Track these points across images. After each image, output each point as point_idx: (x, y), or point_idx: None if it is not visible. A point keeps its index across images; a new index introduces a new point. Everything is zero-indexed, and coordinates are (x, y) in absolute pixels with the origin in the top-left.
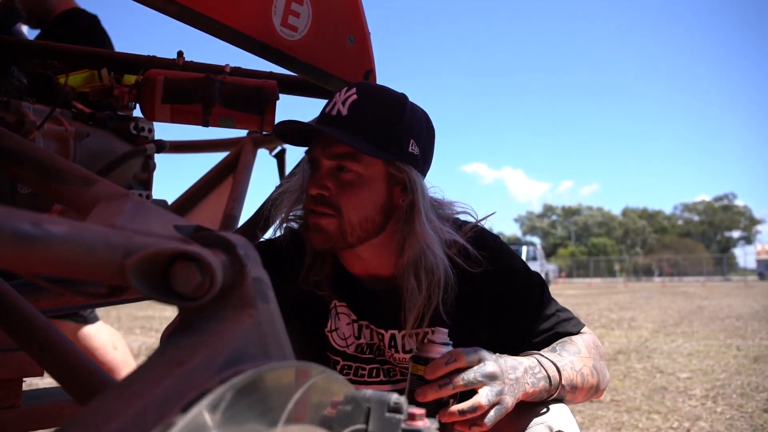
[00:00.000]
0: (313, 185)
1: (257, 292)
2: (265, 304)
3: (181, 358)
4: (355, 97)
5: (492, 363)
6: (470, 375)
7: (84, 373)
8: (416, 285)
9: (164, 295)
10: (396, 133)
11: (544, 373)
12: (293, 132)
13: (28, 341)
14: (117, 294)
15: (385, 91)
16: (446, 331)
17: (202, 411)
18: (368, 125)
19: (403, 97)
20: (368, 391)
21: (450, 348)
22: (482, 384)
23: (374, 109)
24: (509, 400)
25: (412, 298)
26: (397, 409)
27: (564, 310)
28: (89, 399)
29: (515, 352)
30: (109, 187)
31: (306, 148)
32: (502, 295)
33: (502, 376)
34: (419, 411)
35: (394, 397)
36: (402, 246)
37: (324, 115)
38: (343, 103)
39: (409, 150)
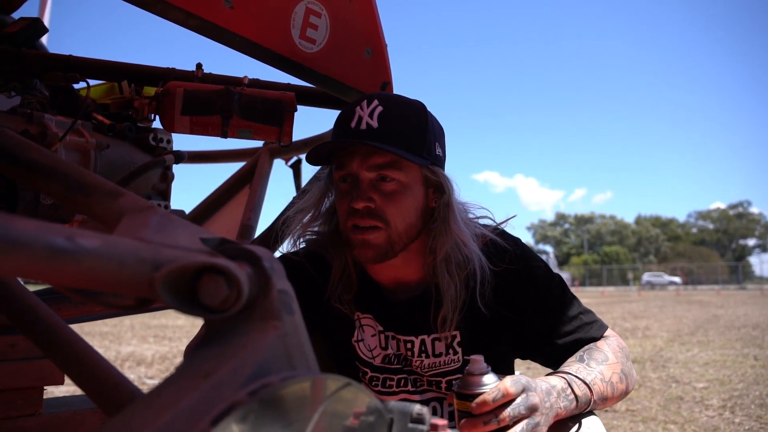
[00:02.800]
0: (358, 199)
1: (282, 304)
2: (290, 315)
3: (208, 370)
4: (381, 108)
5: (533, 394)
6: (515, 410)
7: (110, 383)
8: (450, 279)
9: (191, 308)
10: (425, 139)
11: (574, 395)
12: (327, 154)
13: (54, 351)
14: (144, 306)
15: (404, 99)
16: (482, 358)
17: (231, 423)
18: (401, 134)
19: (421, 104)
20: (391, 402)
21: (490, 374)
22: (524, 417)
23: (402, 117)
24: (543, 430)
25: (448, 293)
26: (419, 419)
27: (587, 312)
28: (115, 409)
29: (539, 351)
30: (135, 200)
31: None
32: (523, 295)
33: (541, 405)
34: (441, 422)
35: (417, 408)
36: (434, 246)
37: (352, 129)
38: (371, 116)
39: (436, 153)
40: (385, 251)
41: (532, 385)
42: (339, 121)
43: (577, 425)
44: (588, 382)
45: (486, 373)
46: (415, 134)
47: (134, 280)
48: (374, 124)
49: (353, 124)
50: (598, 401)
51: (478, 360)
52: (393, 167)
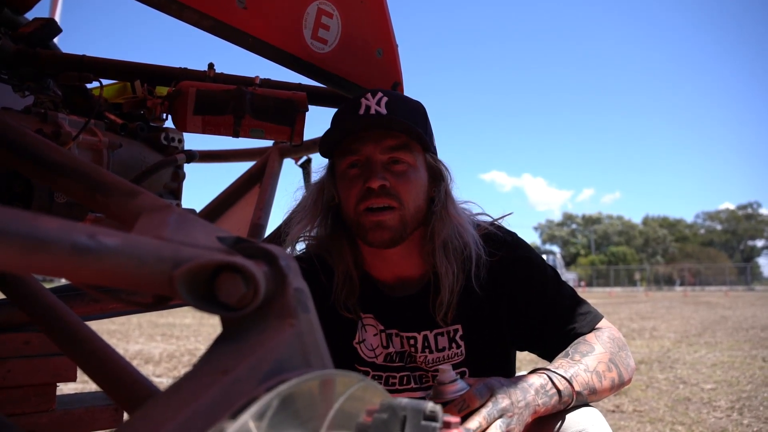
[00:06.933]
0: (374, 178)
1: (298, 302)
2: (306, 313)
3: (226, 366)
4: (386, 98)
5: (503, 396)
6: (486, 413)
7: (127, 380)
8: (448, 264)
9: (209, 306)
10: (427, 128)
11: (555, 389)
12: (333, 145)
13: (71, 348)
14: (161, 303)
15: (403, 95)
16: (450, 367)
17: (250, 418)
18: (409, 120)
19: (418, 101)
20: (404, 400)
21: (460, 382)
22: (495, 419)
23: (407, 108)
24: (517, 429)
25: (446, 277)
26: (432, 417)
27: (582, 303)
28: (132, 405)
29: (535, 343)
30: (152, 199)
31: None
32: (519, 286)
33: (512, 407)
34: (455, 419)
35: (430, 405)
36: (432, 232)
37: (361, 116)
38: (378, 104)
39: (434, 145)
40: (399, 233)
41: (500, 387)
42: (343, 113)
43: (561, 422)
44: (568, 376)
45: (455, 381)
46: (420, 122)
47: (154, 278)
48: (383, 110)
49: (362, 112)
50: (584, 393)
51: (446, 369)
52: (404, 149)
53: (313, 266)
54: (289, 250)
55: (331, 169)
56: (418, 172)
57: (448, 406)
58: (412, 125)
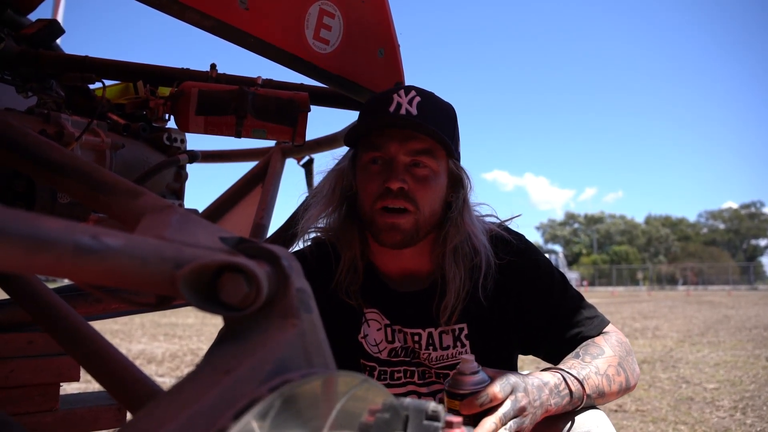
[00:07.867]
0: (394, 179)
1: (300, 303)
2: (308, 313)
3: (228, 366)
4: (419, 98)
5: (522, 395)
6: (503, 413)
7: (129, 380)
8: (456, 268)
9: (212, 306)
10: (455, 134)
11: (568, 390)
12: (358, 136)
13: (75, 347)
14: (164, 303)
15: (436, 96)
16: (473, 358)
17: (252, 418)
18: (438, 124)
19: (450, 103)
20: (406, 399)
21: (481, 373)
22: (511, 418)
23: (438, 111)
24: (528, 429)
25: (453, 282)
26: (435, 417)
27: (588, 307)
28: (135, 404)
29: (541, 346)
30: (155, 199)
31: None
32: (526, 288)
33: (529, 406)
34: (456, 419)
35: (432, 405)
36: (445, 236)
37: (391, 113)
38: (410, 103)
39: (458, 150)
40: (411, 236)
41: (521, 385)
42: (373, 106)
43: (569, 423)
44: (581, 378)
45: (476, 372)
46: (449, 127)
47: (156, 278)
48: (413, 111)
49: (392, 109)
50: (593, 395)
51: (469, 360)
52: (428, 154)
53: (326, 250)
54: (303, 236)
55: (353, 159)
56: (439, 178)
57: (469, 398)
58: (439, 132)
